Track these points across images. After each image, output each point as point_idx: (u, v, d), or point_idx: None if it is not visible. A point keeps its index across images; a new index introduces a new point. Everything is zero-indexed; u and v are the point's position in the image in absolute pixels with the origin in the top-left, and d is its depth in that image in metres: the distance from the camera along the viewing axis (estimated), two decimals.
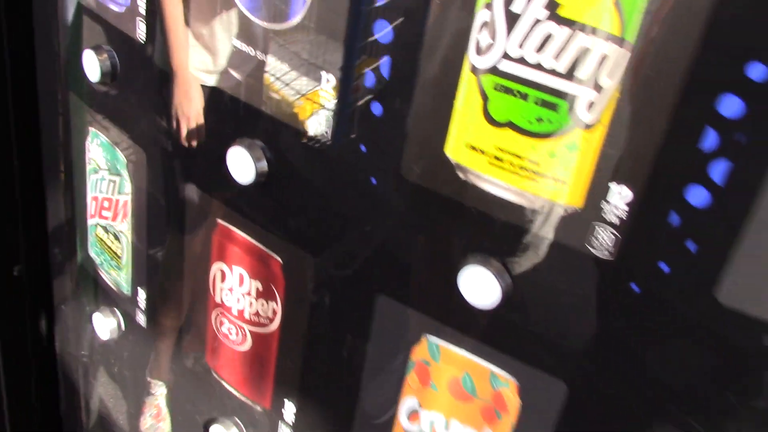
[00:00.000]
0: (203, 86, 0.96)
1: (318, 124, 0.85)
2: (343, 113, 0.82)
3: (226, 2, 0.88)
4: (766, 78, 0.57)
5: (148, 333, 1.24)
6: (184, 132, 1.00)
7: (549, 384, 0.77)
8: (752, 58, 0.57)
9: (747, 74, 0.57)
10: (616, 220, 0.67)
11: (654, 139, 0.63)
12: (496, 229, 0.74)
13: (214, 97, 0.95)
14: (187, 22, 0.95)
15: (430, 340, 0.83)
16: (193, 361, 1.16)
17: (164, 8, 0.97)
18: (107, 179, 1.18)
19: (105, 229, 1.23)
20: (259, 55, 0.86)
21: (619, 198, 0.66)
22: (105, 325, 1.30)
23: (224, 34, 0.91)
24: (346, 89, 0.81)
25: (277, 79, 0.86)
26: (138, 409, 1.35)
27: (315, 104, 0.84)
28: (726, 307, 0.64)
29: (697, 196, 0.63)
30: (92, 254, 1.30)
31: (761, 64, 0.57)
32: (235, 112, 0.93)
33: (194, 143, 1.00)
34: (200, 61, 0.95)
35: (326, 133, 0.84)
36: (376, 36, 0.76)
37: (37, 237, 1.47)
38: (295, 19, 0.80)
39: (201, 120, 0.98)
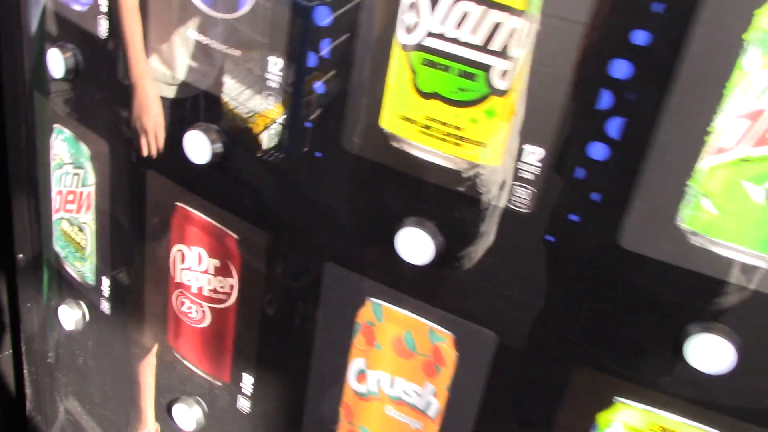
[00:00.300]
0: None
1: (271, 138, 0.92)
2: (295, 128, 0.90)
3: (182, 14, 0.95)
4: (649, 42, 0.66)
5: (112, 320, 1.29)
6: (143, 144, 1.06)
7: (481, 335, 0.85)
8: (636, 26, 0.66)
9: (632, 40, 0.66)
10: (531, 177, 0.75)
11: (559, 101, 0.71)
12: (429, 191, 0.82)
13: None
14: (145, 37, 1.01)
15: (374, 302, 0.90)
16: (158, 346, 1.21)
17: (123, 23, 1.03)
18: (71, 173, 1.23)
19: (70, 222, 1.28)
20: (214, 44, 0.93)
21: (533, 157, 0.75)
22: (70, 316, 1.34)
23: (182, 47, 0.97)
24: (297, 105, 0.89)
25: (232, 98, 0.94)
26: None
27: (267, 120, 0.92)
28: (628, 251, 0.73)
29: (598, 150, 0.71)
30: (57, 248, 1.35)
31: (644, 31, 0.66)
32: (194, 100, 1.00)
33: (153, 153, 1.06)
34: (159, 74, 1.01)
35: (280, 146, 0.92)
36: (317, 22, 0.84)
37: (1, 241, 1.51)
38: (246, 7, 0.88)
39: (161, 132, 1.04)
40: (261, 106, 0.91)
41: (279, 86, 0.89)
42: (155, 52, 1.01)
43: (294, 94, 0.89)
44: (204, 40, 0.94)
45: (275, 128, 0.91)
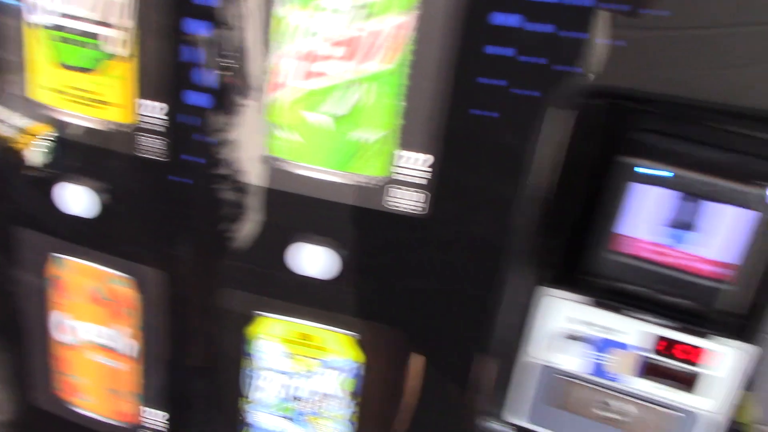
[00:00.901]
0: None
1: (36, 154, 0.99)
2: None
3: None
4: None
5: None
6: None
7: (155, 276, 0.96)
8: None
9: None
10: (160, 129, 0.87)
11: (165, 59, 0.84)
12: (85, 151, 0.92)
13: None
14: None
15: (58, 257, 1.00)
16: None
17: None
18: None
19: None
20: None
21: (155, 110, 0.87)
22: None
23: None
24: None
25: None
26: None
27: (31, 137, 0.99)
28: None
29: (198, 99, 0.84)
30: None
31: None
32: None
33: None
34: None
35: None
36: None
37: None
38: None
39: None
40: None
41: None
42: None
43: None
44: None
45: None
